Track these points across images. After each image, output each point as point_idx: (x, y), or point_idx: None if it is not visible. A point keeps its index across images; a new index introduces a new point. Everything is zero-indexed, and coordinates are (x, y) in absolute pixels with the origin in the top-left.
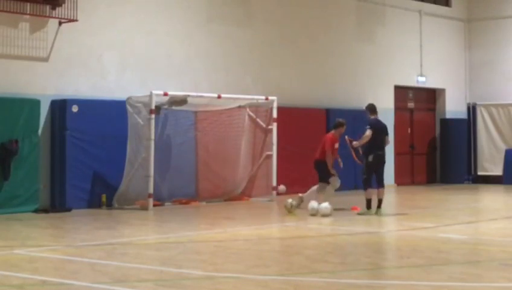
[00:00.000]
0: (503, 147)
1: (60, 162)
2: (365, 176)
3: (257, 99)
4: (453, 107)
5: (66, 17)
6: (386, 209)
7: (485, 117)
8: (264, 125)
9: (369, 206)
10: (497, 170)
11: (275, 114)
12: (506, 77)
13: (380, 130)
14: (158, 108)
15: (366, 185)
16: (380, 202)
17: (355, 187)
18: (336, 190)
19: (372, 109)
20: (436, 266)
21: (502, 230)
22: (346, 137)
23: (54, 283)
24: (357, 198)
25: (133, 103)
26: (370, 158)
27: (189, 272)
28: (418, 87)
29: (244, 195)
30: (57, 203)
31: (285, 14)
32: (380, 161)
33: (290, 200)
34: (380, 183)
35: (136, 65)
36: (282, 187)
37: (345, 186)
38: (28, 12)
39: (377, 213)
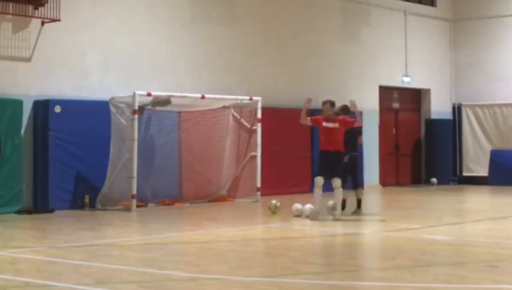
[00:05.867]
0: (488, 148)
1: (42, 163)
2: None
3: (241, 99)
4: (438, 107)
5: (48, 17)
6: (371, 210)
7: (471, 117)
8: (249, 126)
9: (343, 207)
10: (483, 171)
11: (259, 114)
12: (491, 77)
13: (352, 131)
14: (141, 108)
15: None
16: (359, 202)
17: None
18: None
19: (345, 110)
20: (421, 268)
21: (487, 231)
22: None
23: (37, 285)
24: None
25: (116, 104)
26: (345, 159)
27: (172, 274)
28: (403, 87)
29: (228, 196)
30: (40, 204)
31: (269, 14)
32: (355, 162)
33: (274, 201)
34: (357, 184)
35: (119, 65)
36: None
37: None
38: (11, 12)
39: (357, 213)
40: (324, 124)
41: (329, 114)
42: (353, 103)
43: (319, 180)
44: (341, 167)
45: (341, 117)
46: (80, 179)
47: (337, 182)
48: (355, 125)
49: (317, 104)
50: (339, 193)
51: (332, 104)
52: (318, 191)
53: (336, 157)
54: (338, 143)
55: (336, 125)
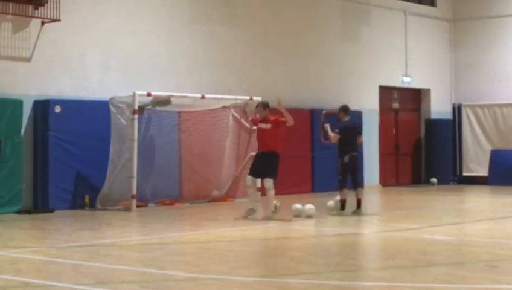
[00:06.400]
0: (488, 148)
1: (42, 163)
2: (340, 177)
3: (241, 99)
4: (438, 107)
5: (48, 17)
6: (371, 210)
7: (471, 117)
8: (248, 126)
9: (343, 207)
10: (483, 171)
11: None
12: (491, 77)
13: (352, 131)
14: (141, 108)
15: (341, 185)
16: (359, 202)
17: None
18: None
19: (345, 110)
20: (421, 268)
21: (487, 231)
22: (324, 112)
23: (37, 285)
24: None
25: (116, 104)
26: (346, 159)
27: (172, 274)
28: (403, 87)
29: (228, 196)
30: (40, 204)
31: (269, 14)
32: (355, 162)
33: (274, 201)
34: (357, 184)
35: (120, 65)
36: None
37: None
38: (11, 12)
39: (357, 214)
40: (259, 125)
41: (262, 116)
42: (278, 102)
43: (248, 181)
44: (275, 168)
45: (273, 118)
46: (80, 179)
47: (268, 182)
48: (287, 124)
49: (318, 104)
50: (270, 194)
51: (264, 106)
52: (250, 190)
53: (268, 158)
54: (271, 144)
55: (269, 126)
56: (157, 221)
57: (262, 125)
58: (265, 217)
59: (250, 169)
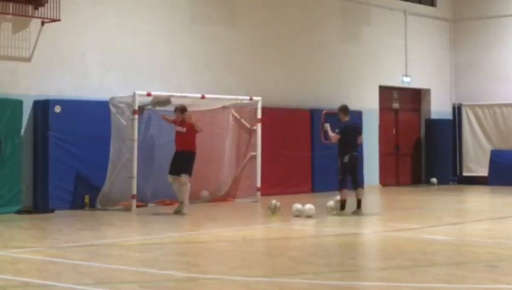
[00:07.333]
0: (488, 148)
1: (42, 163)
2: (340, 177)
3: (241, 99)
4: (438, 107)
5: (48, 17)
6: (371, 210)
7: (471, 117)
8: (249, 126)
9: (343, 207)
10: (483, 171)
11: (259, 114)
12: (491, 77)
13: (352, 131)
14: (141, 108)
15: (341, 185)
16: (359, 202)
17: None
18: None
19: (345, 110)
20: (421, 268)
21: (487, 231)
22: (324, 112)
23: (37, 285)
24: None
25: (116, 104)
26: (346, 159)
27: (172, 274)
28: (403, 87)
29: (228, 196)
30: (40, 204)
31: (269, 14)
32: (355, 162)
33: (274, 201)
34: (357, 184)
35: (119, 65)
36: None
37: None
38: (11, 12)
39: (357, 214)
40: (176, 128)
41: (180, 120)
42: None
43: (168, 179)
44: (189, 165)
45: (189, 123)
46: (80, 179)
47: (184, 178)
48: (198, 131)
49: (318, 104)
50: (186, 189)
51: (181, 110)
52: (174, 186)
53: (184, 156)
54: (187, 144)
55: (184, 129)
56: (157, 221)
57: (179, 128)
58: (176, 210)
59: (169, 168)
